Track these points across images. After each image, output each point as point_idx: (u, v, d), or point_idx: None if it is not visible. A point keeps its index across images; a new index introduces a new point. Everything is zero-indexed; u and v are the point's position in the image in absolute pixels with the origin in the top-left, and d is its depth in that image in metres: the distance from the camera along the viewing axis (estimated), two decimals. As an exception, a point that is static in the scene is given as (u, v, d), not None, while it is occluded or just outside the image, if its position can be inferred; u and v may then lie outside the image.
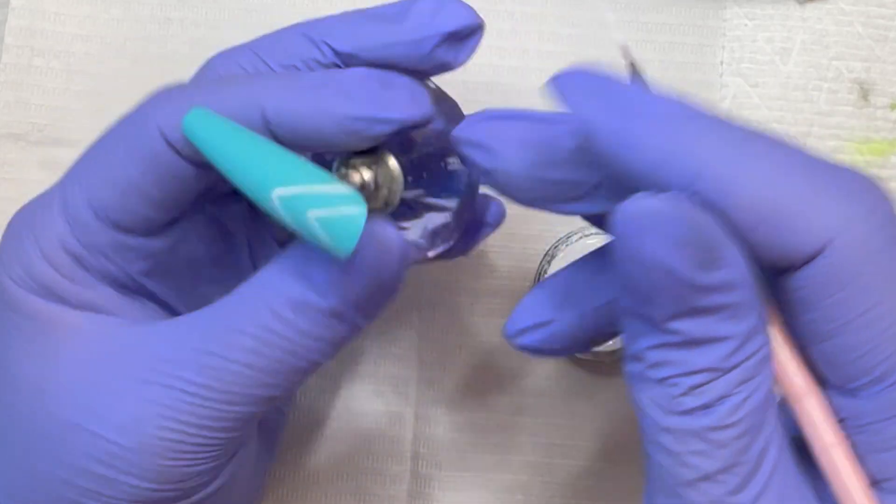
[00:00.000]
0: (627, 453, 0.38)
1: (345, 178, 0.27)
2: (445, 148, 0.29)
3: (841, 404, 0.24)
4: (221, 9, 0.40)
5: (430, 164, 0.29)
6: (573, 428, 0.39)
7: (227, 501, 0.30)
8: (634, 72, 0.27)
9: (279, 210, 0.25)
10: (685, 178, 0.22)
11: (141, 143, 0.27)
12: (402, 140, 0.29)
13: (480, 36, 0.29)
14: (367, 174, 0.27)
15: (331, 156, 0.29)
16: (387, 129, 0.26)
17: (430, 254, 0.30)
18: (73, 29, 0.40)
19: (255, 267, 0.32)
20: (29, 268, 0.28)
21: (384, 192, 0.28)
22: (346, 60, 0.28)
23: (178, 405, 0.27)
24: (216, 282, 0.32)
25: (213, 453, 0.28)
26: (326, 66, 0.29)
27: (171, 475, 0.27)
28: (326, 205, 0.25)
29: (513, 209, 0.40)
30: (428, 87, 0.29)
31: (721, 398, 0.22)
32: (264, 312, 0.27)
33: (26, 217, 0.29)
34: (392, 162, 0.28)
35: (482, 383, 0.39)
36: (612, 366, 0.38)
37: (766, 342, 0.23)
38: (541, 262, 0.38)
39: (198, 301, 0.31)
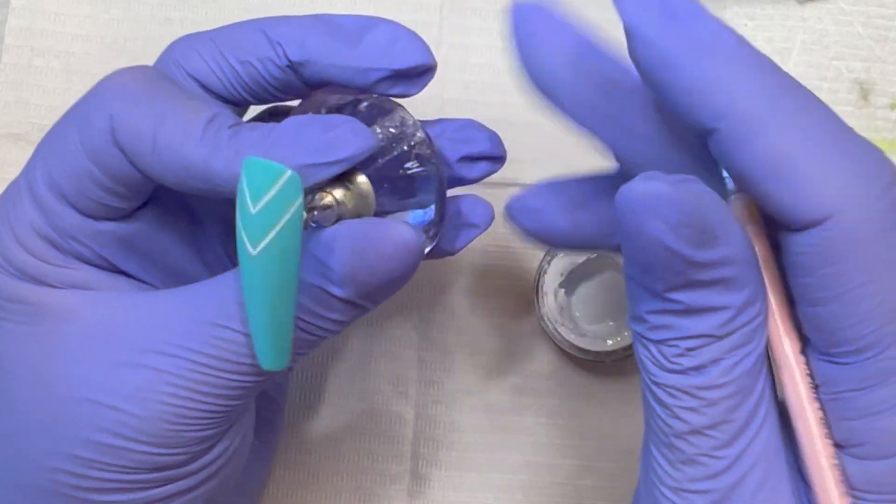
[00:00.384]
0: (627, 453, 0.38)
1: (317, 202, 0.28)
2: (401, 155, 0.29)
3: (819, 369, 0.24)
4: (221, 9, 0.41)
5: (390, 174, 0.29)
6: (573, 428, 0.39)
7: (225, 468, 0.30)
8: None
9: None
10: (712, 114, 0.22)
11: (91, 138, 0.28)
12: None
13: (432, 75, 0.30)
14: (338, 194, 0.28)
15: None
16: (337, 168, 0.27)
17: None
18: (73, 29, 0.40)
19: (226, 251, 0.33)
20: (6, 254, 0.29)
21: (358, 208, 0.28)
22: (296, 68, 0.29)
23: (188, 374, 0.27)
24: (194, 259, 0.32)
25: (219, 419, 0.28)
26: (280, 69, 0.29)
27: (178, 440, 0.28)
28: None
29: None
30: (373, 99, 0.30)
31: (714, 361, 0.24)
32: None
33: (1, 204, 0.29)
34: (361, 178, 0.28)
35: (482, 383, 0.39)
36: (611, 366, 0.38)
37: (762, 311, 0.24)
38: (541, 263, 0.38)
39: (176, 278, 0.31)
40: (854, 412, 0.24)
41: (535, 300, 0.38)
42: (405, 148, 0.29)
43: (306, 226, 0.27)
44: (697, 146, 0.25)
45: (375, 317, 0.39)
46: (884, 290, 0.23)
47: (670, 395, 0.24)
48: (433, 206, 0.30)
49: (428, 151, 0.30)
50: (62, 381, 0.28)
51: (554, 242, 0.29)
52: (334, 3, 0.40)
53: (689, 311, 0.23)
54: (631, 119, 0.26)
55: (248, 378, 0.28)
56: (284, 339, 0.27)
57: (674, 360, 0.24)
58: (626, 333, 0.37)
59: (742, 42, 0.23)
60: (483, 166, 0.33)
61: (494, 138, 0.33)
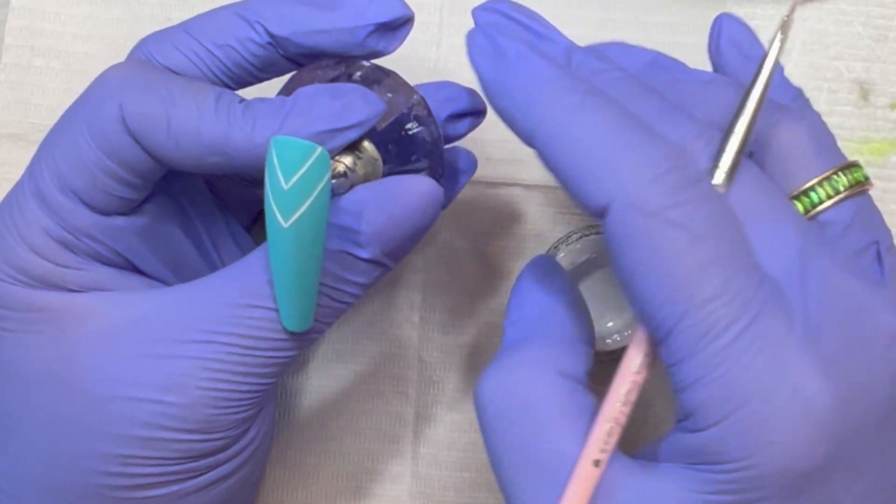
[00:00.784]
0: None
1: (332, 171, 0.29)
2: (401, 117, 0.30)
3: (659, 350, 0.25)
4: (221, 9, 0.41)
5: (392, 136, 0.30)
6: (573, 428, 0.39)
7: (256, 454, 0.31)
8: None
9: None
10: (526, 135, 0.26)
11: (102, 130, 0.28)
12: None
13: (411, 27, 0.31)
14: (348, 161, 0.29)
15: None
16: (352, 134, 0.28)
17: None
18: (73, 29, 0.40)
19: (213, 244, 0.33)
20: (16, 262, 0.29)
21: (367, 173, 0.30)
22: (279, 43, 0.30)
23: (225, 357, 0.28)
24: (191, 245, 0.32)
25: (256, 399, 0.29)
26: (262, 46, 0.30)
27: (219, 424, 0.29)
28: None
29: (511, 212, 0.40)
30: (366, 69, 0.31)
31: None
32: None
33: (2, 212, 0.29)
34: (367, 144, 0.30)
35: (482, 383, 0.39)
36: (611, 366, 0.38)
37: None
38: (541, 262, 0.38)
39: (184, 270, 0.32)
40: (675, 386, 0.24)
41: (535, 300, 0.38)
42: (404, 111, 0.30)
43: None
44: None
45: (376, 318, 0.39)
46: (665, 267, 0.24)
47: None
48: (435, 162, 0.31)
49: (424, 112, 0.31)
50: (91, 382, 0.28)
51: None
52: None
53: None
54: None
55: (281, 354, 0.29)
56: (309, 302, 0.28)
57: None
58: (626, 333, 0.37)
59: (557, 71, 0.26)
60: (467, 122, 0.34)
61: (473, 94, 0.34)
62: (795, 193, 0.27)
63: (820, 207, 0.27)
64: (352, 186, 0.29)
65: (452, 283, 0.40)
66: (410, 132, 0.31)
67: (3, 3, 0.40)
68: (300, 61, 0.30)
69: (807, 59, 0.41)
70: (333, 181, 0.28)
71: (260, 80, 0.31)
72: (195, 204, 0.33)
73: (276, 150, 0.25)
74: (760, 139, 0.27)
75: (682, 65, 0.30)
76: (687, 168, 0.24)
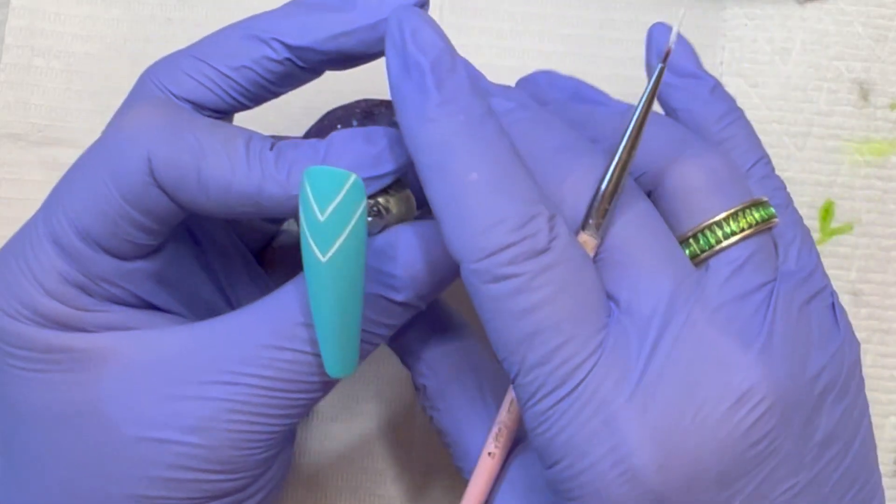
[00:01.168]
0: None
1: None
2: None
3: None
4: (221, 9, 0.41)
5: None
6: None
7: (276, 488, 0.31)
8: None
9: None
10: (413, 150, 0.26)
11: (127, 180, 0.27)
12: None
13: (427, 9, 0.30)
14: (381, 199, 0.28)
15: None
16: (386, 181, 0.28)
17: None
18: (73, 29, 0.40)
19: (229, 281, 0.33)
20: (33, 305, 0.28)
21: (401, 213, 0.29)
22: (299, 54, 0.29)
23: (250, 399, 0.28)
24: (208, 281, 0.32)
25: (280, 438, 0.29)
26: (279, 62, 0.29)
27: (244, 464, 0.28)
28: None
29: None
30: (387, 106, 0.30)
31: None
32: None
33: (15, 253, 0.29)
34: (402, 183, 0.29)
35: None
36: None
37: None
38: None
39: (201, 307, 0.31)
40: (527, 427, 0.26)
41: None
42: None
43: None
44: None
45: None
46: (498, 331, 0.25)
47: None
48: None
49: None
50: (115, 423, 0.28)
51: None
52: None
53: None
54: None
55: (308, 395, 0.28)
56: (352, 344, 0.27)
57: None
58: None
59: (450, 80, 0.26)
60: None
61: None
62: (688, 235, 0.27)
63: (713, 250, 0.27)
64: (385, 227, 0.28)
65: (453, 285, 0.40)
66: None
67: (3, 3, 0.40)
68: (319, 69, 0.30)
69: (807, 59, 0.41)
70: (368, 219, 0.27)
71: (276, 96, 0.31)
72: (211, 240, 0.32)
73: (310, 182, 0.25)
74: (653, 179, 0.27)
75: (604, 95, 0.31)
76: (536, 237, 0.25)
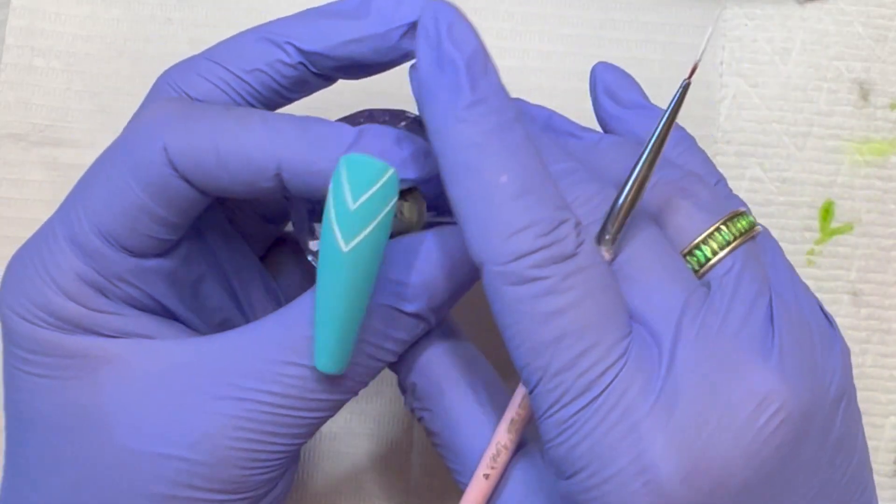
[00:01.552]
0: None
1: None
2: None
3: None
4: (221, 9, 0.41)
5: (435, 188, 0.29)
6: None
7: (283, 501, 0.30)
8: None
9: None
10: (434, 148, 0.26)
11: (147, 171, 0.27)
12: None
13: None
14: (397, 206, 0.28)
15: None
16: (405, 185, 0.28)
17: None
18: (73, 29, 0.40)
19: (241, 286, 0.33)
20: (48, 307, 0.28)
21: (413, 220, 0.29)
22: (312, 60, 0.29)
23: (254, 416, 0.27)
24: (223, 285, 0.32)
25: (286, 459, 0.28)
26: (292, 67, 0.29)
27: (248, 484, 0.28)
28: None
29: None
30: (410, 119, 0.30)
31: None
32: None
33: (31, 255, 0.29)
34: (416, 190, 0.29)
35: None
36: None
37: None
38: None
39: (211, 315, 0.31)
40: (543, 438, 0.26)
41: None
42: None
43: None
44: None
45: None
46: (522, 336, 0.25)
47: None
48: None
49: None
50: (120, 434, 0.27)
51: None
52: (334, 4, 0.40)
53: None
54: None
55: (315, 414, 0.28)
56: (348, 343, 0.27)
57: None
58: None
59: (484, 80, 0.26)
60: None
61: None
62: (685, 252, 0.27)
63: (710, 263, 0.27)
64: (396, 233, 0.28)
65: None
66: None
67: (4, 3, 0.40)
68: (332, 76, 0.30)
69: (807, 59, 0.41)
70: None
71: (290, 101, 0.31)
72: (222, 243, 0.32)
73: (347, 167, 0.25)
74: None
75: (575, 126, 0.31)
76: (564, 241, 0.25)
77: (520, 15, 0.41)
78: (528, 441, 0.29)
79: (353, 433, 0.39)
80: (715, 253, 0.27)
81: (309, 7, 0.30)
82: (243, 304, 0.33)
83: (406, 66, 0.29)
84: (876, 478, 0.38)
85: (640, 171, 0.26)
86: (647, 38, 0.40)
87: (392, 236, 0.27)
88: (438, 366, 0.30)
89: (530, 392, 0.26)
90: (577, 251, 0.25)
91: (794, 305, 0.27)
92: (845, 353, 0.27)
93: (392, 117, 0.31)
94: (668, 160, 0.30)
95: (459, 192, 0.25)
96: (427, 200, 0.30)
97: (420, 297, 0.28)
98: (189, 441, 0.27)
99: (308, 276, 0.32)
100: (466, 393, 0.30)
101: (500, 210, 0.25)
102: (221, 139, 0.27)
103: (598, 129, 0.33)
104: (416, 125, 0.31)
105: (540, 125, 0.32)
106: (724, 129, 0.40)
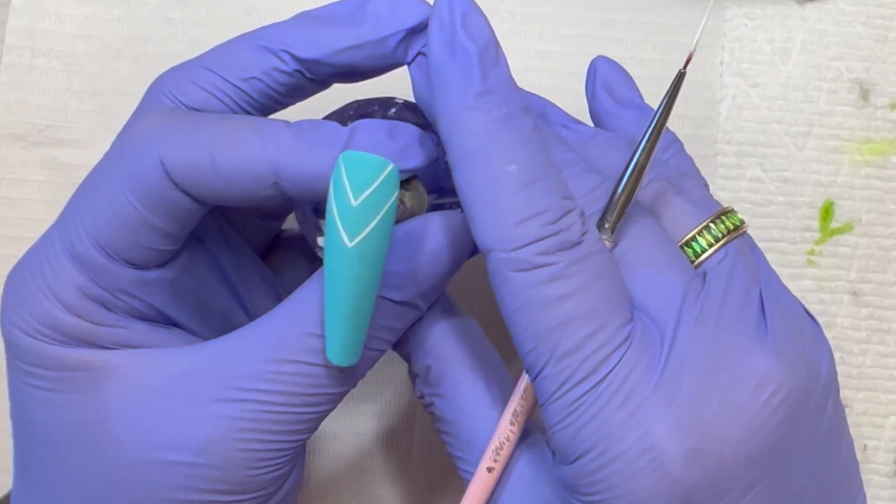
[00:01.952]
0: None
1: None
2: (439, 147, 0.30)
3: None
4: (221, 9, 0.41)
5: (431, 172, 0.30)
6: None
7: (291, 501, 0.31)
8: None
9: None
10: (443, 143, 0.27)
11: (144, 185, 0.27)
12: None
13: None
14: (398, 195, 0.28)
15: None
16: (403, 176, 0.28)
17: None
18: (73, 29, 0.40)
19: (243, 285, 0.33)
20: (50, 321, 0.28)
21: (414, 207, 0.29)
22: (309, 67, 0.29)
23: (258, 416, 0.27)
24: (223, 289, 0.32)
25: (291, 455, 0.28)
26: (288, 74, 0.29)
27: (256, 483, 0.28)
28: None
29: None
30: (399, 105, 0.30)
31: None
32: None
33: (31, 270, 0.29)
34: (415, 178, 0.29)
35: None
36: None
37: None
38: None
39: (214, 319, 0.31)
40: (545, 424, 0.26)
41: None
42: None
43: None
44: None
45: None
46: (528, 321, 0.25)
47: None
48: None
49: None
50: (125, 445, 0.27)
51: None
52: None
53: None
54: None
55: (318, 408, 0.28)
56: (359, 336, 0.27)
57: None
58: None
59: (495, 70, 0.26)
60: None
61: None
62: (680, 244, 0.28)
63: (705, 255, 0.28)
64: (400, 221, 0.28)
65: (451, 284, 0.40)
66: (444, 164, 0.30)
67: (4, 3, 0.40)
68: (328, 82, 0.30)
69: (807, 59, 0.41)
70: None
71: (285, 106, 0.31)
72: (222, 247, 0.32)
73: (347, 166, 0.25)
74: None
75: (569, 118, 0.32)
76: (570, 230, 0.26)
77: (520, 15, 0.41)
78: (532, 432, 0.29)
79: (354, 433, 0.39)
80: (716, 241, 0.28)
81: (305, 10, 0.30)
82: (247, 305, 0.33)
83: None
84: (876, 478, 0.38)
85: (639, 158, 0.27)
86: (646, 38, 0.40)
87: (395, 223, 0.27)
88: (454, 349, 0.30)
89: (535, 377, 0.26)
90: (582, 239, 0.26)
91: (783, 298, 0.28)
92: (831, 350, 0.28)
93: (381, 106, 0.31)
94: (660, 161, 0.30)
95: (467, 179, 0.26)
96: (427, 186, 0.30)
97: (407, 285, 0.28)
98: (194, 446, 0.27)
99: (312, 271, 0.32)
100: (477, 378, 0.30)
101: (509, 198, 0.25)
102: (218, 151, 0.27)
103: (591, 124, 0.33)
104: (406, 111, 0.31)
105: (538, 114, 0.33)
106: (724, 129, 0.40)
